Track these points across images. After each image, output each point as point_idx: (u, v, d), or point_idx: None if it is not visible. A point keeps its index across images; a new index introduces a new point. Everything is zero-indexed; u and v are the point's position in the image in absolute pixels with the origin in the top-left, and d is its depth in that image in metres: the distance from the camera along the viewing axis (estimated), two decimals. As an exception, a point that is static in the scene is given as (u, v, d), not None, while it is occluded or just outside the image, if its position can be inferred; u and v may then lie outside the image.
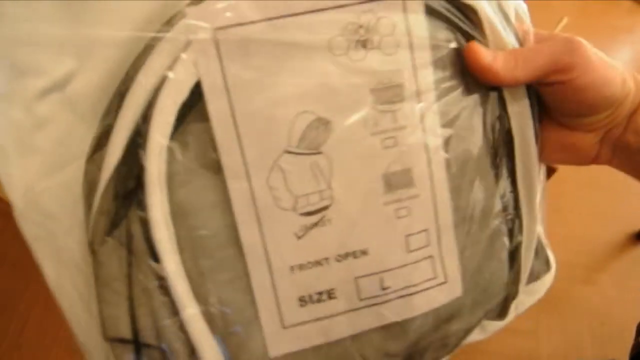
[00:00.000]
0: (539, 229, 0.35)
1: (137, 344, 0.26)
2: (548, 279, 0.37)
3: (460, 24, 0.28)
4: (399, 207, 0.28)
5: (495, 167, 0.31)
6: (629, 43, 1.47)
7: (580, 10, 1.51)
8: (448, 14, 0.28)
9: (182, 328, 0.26)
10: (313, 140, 0.26)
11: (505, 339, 1.05)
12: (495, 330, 0.36)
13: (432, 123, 0.28)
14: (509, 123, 0.31)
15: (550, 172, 0.79)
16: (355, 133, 0.27)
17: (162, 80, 0.24)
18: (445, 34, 0.28)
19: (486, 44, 0.29)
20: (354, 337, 0.30)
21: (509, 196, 0.32)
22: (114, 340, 0.26)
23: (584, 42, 0.29)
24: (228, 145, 0.26)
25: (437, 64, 0.28)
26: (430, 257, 0.30)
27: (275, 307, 0.28)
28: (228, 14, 0.24)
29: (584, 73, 0.28)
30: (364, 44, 0.26)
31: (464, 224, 0.30)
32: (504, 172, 0.32)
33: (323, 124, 0.26)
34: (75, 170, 0.26)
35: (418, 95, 0.28)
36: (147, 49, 0.24)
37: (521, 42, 0.30)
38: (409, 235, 0.29)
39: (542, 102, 0.31)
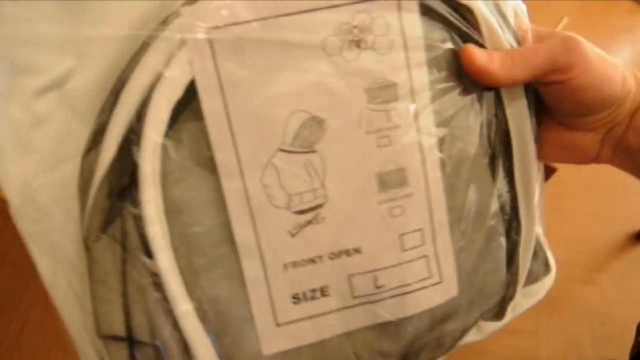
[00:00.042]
0: (538, 230, 0.35)
1: (130, 341, 0.26)
2: (547, 282, 0.37)
3: (457, 23, 0.28)
4: (393, 206, 0.29)
5: (492, 167, 0.31)
6: (629, 43, 1.47)
7: (580, 10, 1.50)
8: (444, 14, 0.28)
9: (175, 325, 0.26)
10: (307, 138, 0.27)
11: (505, 339, 1.05)
12: (492, 331, 0.35)
13: (427, 122, 0.28)
14: (507, 123, 0.31)
15: (550, 172, 0.80)
16: (349, 132, 0.27)
17: (157, 79, 0.25)
18: (440, 34, 0.28)
19: (483, 44, 0.29)
20: (348, 336, 0.30)
21: (507, 196, 0.32)
22: (108, 338, 0.26)
23: (583, 40, 0.29)
24: (222, 143, 0.26)
25: (432, 63, 0.28)
26: (425, 256, 0.30)
27: (269, 304, 0.28)
28: (222, 14, 0.25)
29: (582, 72, 0.28)
30: (358, 43, 0.26)
31: (460, 224, 0.30)
32: (501, 172, 0.31)
33: (317, 122, 0.27)
34: (72, 168, 0.26)
35: (412, 94, 0.28)
36: (143, 48, 0.25)
37: (519, 42, 0.30)
38: (403, 234, 0.29)
39: (542, 101, 0.31)
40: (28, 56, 0.25)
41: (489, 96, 0.30)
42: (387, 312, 0.30)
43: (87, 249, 0.26)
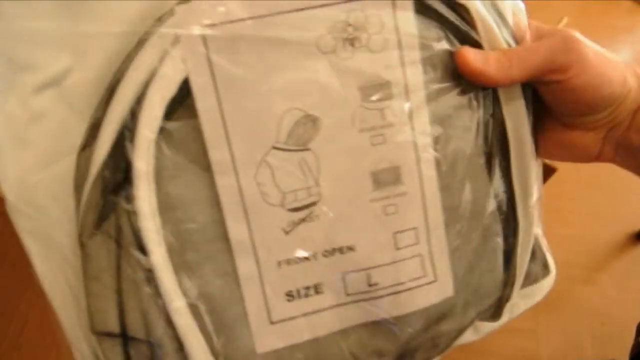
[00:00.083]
0: (537, 231, 0.34)
1: (125, 337, 0.26)
2: (546, 284, 0.37)
3: (452, 22, 0.28)
4: (387, 204, 0.29)
5: (489, 166, 0.31)
6: (629, 43, 1.47)
7: (580, 10, 1.50)
8: (439, 13, 0.28)
9: (169, 322, 0.26)
10: (301, 136, 0.27)
11: (505, 339, 1.05)
12: (488, 332, 0.35)
13: (422, 121, 0.28)
14: (504, 122, 0.30)
15: (550, 172, 0.80)
16: (343, 130, 0.27)
17: (152, 76, 0.25)
18: (435, 33, 0.28)
19: (480, 42, 0.29)
20: (343, 334, 0.30)
21: (504, 196, 0.32)
22: (102, 334, 0.26)
23: (583, 39, 0.29)
24: (216, 140, 0.26)
25: (427, 62, 0.28)
26: (419, 255, 0.30)
27: (263, 302, 0.28)
28: (217, 12, 0.25)
29: (580, 72, 0.28)
30: (352, 42, 0.26)
31: (456, 223, 0.30)
32: (499, 172, 0.31)
33: (311, 120, 0.27)
34: (69, 164, 0.26)
35: (407, 93, 0.28)
36: (139, 45, 0.25)
37: (518, 41, 0.30)
38: (397, 232, 0.29)
39: (542, 100, 0.31)
40: (26, 53, 0.25)
41: (486, 95, 0.30)
42: (381, 310, 0.30)
43: (82, 245, 0.26)
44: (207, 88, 0.25)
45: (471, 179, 0.30)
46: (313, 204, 0.28)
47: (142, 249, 0.26)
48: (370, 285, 0.29)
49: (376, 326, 0.30)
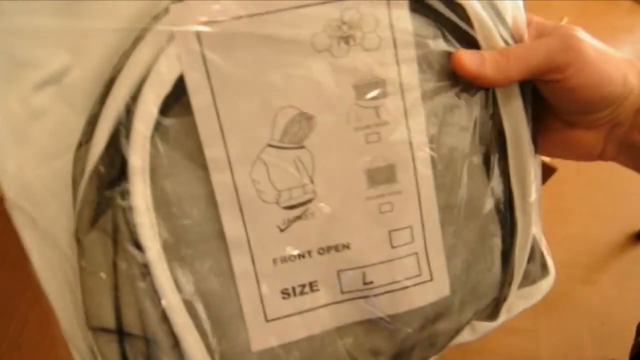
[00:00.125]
0: (536, 232, 0.34)
1: (120, 333, 0.26)
2: (545, 285, 0.36)
3: (449, 20, 0.28)
4: (382, 203, 0.29)
5: (487, 165, 0.31)
6: (629, 43, 1.47)
7: (580, 10, 1.51)
8: (436, 11, 0.27)
9: (165, 318, 0.26)
10: (296, 134, 0.27)
11: (505, 338, 1.05)
12: (485, 332, 0.35)
13: (417, 120, 0.28)
14: (501, 121, 0.30)
15: (550, 172, 0.80)
16: (338, 128, 0.27)
17: (147, 73, 0.25)
18: (431, 31, 0.28)
19: (477, 40, 0.28)
20: (339, 333, 0.30)
21: (502, 195, 0.32)
22: (98, 330, 0.27)
23: (583, 37, 0.28)
24: (211, 138, 0.26)
25: (423, 60, 0.28)
26: (414, 253, 0.30)
27: (258, 300, 0.28)
28: (211, 10, 0.25)
29: (579, 72, 0.28)
30: (346, 40, 0.26)
31: (452, 223, 0.30)
32: (497, 171, 0.31)
33: (306, 118, 0.27)
34: (68, 160, 0.26)
35: (402, 91, 0.28)
36: (135, 43, 0.25)
37: (516, 39, 0.30)
38: (393, 230, 0.29)
39: (542, 98, 0.31)
40: (26, 50, 0.25)
41: (483, 94, 0.30)
42: (376, 308, 0.30)
43: (78, 241, 0.26)
44: (202, 85, 0.25)
45: (468, 178, 0.30)
46: (308, 201, 0.28)
47: (138, 245, 0.26)
48: (365, 284, 0.29)
49: (372, 325, 0.30)
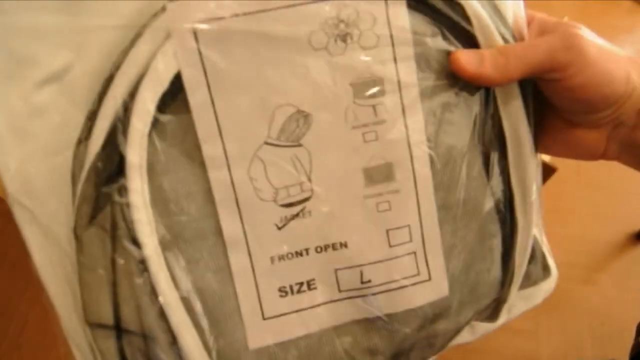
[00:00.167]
0: (536, 231, 0.34)
1: (118, 329, 0.26)
2: (547, 286, 0.36)
3: (449, 18, 0.28)
4: (380, 201, 0.28)
5: (487, 165, 0.31)
6: (629, 43, 1.47)
7: (580, 10, 1.51)
8: (435, 9, 0.27)
9: (162, 315, 0.26)
10: (293, 132, 0.27)
11: (505, 339, 1.05)
12: (484, 333, 0.35)
13: (415, 118, 0.28)
14: (501, 120, 0.30)
15: (550, 172, 0.79)
16: (336, 126, 0.27)
17: (145, 70, 0.25)
18: (429, 29, 0.28)
19: (476, 38, 0.28)
20: (336, 332, 0.30)
21: (502, 195, 0.31)
22: (96, 326, 0.27)
23: (585, 35, 0.28)
24: (208, 135, 0.26)
25: (422, 59, 0.28)
26: (413, 253, 0.30)
27: (256, 298, 0.28)
28: (208, 7, 0.25)
29: (581, 71, 0.27)
30: (344, 38, 0.26)
31: (451, 222, 0.30)
32: (496, 171, 0.31)
33: (303, 117, 0.27)
34: (68, 157, 0.26)
35: (399, 89, 0.27)
36: (134, 40, 0.25)
37: (517, 38, 0.29)
38: (391, 229, 0.29)
39: (544, 96, 0.30)
40: (27, 48, 0.25)
41: (482, 93, 0.30)
42: (374, 307, 0.30)
43: (76, 237, 0.26)
44: (199, 83, 0.25)
45: (467, 178, 0.30)
46: (305, 200, 0.28)
47: (135, 241, 0.26)
48: (363, 282, 0.29)
49: (370, 324, 0.30)
